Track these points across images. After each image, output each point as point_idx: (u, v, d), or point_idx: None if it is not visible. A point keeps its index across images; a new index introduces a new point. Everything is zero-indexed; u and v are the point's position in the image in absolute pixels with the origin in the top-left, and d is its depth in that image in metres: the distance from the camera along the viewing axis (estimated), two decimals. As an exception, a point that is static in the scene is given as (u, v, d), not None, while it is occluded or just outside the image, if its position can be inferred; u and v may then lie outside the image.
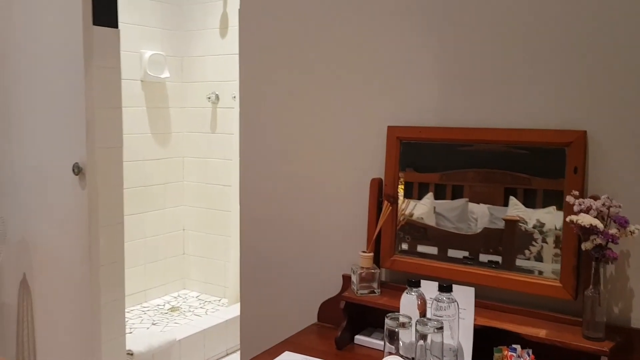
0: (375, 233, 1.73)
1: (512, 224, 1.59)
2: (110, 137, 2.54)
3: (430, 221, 1.70)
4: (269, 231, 2.06)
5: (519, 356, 1.35)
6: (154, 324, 3.56)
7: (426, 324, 1.42)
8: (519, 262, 1.57)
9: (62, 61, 2.44)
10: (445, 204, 1.69)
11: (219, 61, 3.87)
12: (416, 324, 1.43)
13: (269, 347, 1.71)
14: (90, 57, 2.39)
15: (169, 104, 3.97)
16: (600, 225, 1.31)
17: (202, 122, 3.99)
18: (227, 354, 3.40)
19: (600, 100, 1.47)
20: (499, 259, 1.60)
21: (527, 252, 1.56)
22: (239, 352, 3.40)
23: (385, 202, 1.72)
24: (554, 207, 1.52)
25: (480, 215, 1.65)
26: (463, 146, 1.64)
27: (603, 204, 1.35)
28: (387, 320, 1.44)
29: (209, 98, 3.91)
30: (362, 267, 1.71)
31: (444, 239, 1.68)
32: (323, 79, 1.90)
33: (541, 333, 1.44)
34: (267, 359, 1.61)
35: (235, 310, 3.55)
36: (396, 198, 1.73)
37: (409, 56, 1.73)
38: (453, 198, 1.68)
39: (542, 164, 1.54)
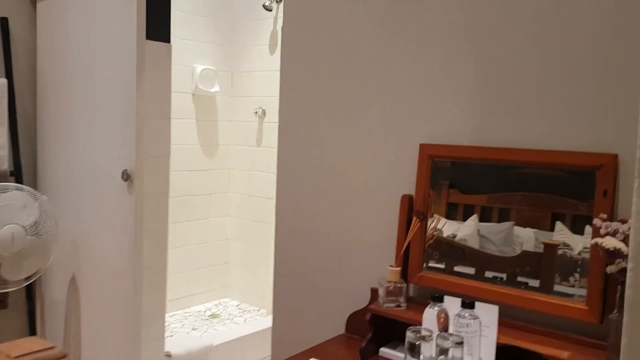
0: (403, 248, 1.76)
1: (551, 248, 1.58)
2: (158, 146, 2.67)
3: (472, 242, 1.71)
4: (302, 243, 2.12)
5: (538, 376, 1.35)
6: (194, 329, 3.67)
7: (446, 339, 1.44)
8: (556, 287, 1.55)
9: (116, 72, 2.59)
10: (490, 227, 1.69)
11: (267, 77, 3.99)
12: (437, 339, 1.46)
13: (293, 353, 1.76)
14: (143, 70, 2.53)
15: (217, 117, 4.11)
16: (624, 249, 1.30)
17: (248, 135, 4.12)
18: (263, 363, 3.47)
19: (632, 124, 1.47)
20: (535, 282, 1.59)
21: (571, 278, 1.55)
22: (273, 362, 3.47)
23: (415, 219, 1.75)
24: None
25: (525, 240, 1.64)
26: (496, 167, 1.66)
27: (629, 228, 1.34)
28: (408, 333, 1.47)
29: (256, 112, 4.03)
30: (390, 281, 1.74)
31: (481, 260, 1.69)
32: (358, 97, 1.95)
33: (564, 355, 1.44)
34: (293, 366, 1.66)
35: (270, 321, 3.61)
36: (425, 215, 1.76)
37: (443, 76, 1.77)
38: (499, 221, 1.68)
39: (573, 186, 1.54)
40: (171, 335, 3.45)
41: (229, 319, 3.91)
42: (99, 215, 2.74)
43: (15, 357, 0.77)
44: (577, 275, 1.53)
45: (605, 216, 1.42)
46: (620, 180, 1.48)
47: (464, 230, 1.73)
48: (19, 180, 2.93)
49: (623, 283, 1.34)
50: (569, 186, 1.55)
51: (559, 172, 1.56)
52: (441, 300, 1.52)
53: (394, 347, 1.77)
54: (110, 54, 2.61)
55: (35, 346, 0.81)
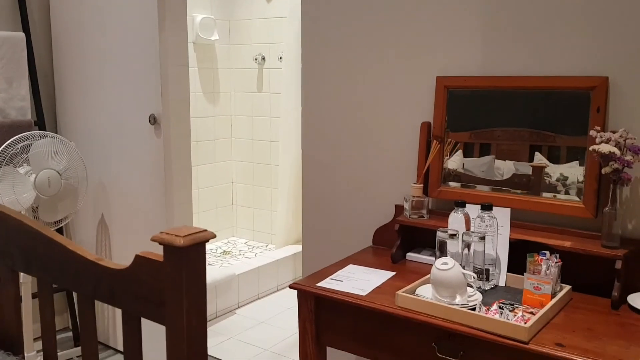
0: (425, 168, 2.04)
1: (539, 170, 1.88)
2: (180, 91, 2.87)
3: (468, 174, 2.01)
4: (328, 172, 2.39)
5: (548, 259, 1.66)
6: (209, 265, 3.95)
7: (471, 235, 1.74)
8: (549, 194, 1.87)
9: (136, 22, 2.75)
10: (472, 161, 1.99)
11: (265, 24, 4.15)
12: (462, 235, 1.76)
13: (325, 260, 2.04)
14: (164, 19, 2.70)
15: (217, 65, 4.28)
16: (617, 152, 1.60)
17: (249, 82, 4.30)
18: (278, 289, 3.78)
19: (620, 51, 1.74)
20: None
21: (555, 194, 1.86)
22: (288, 289, 3.79)
23: (435, 142, 2.02)
24: (577, 162, 1.79)
25: (505, 171, 1.94)
26: (501, 96, 1.93)
27: (620, 136, 1.64)
28: (438, 233, 1.77)
29: (256, 59, 4.20)
30: (414, 196, 2.03)
31: (478, 182, 1.99)
32: (379, 35, 2.19)
33: (566, 244, 1.75)
34: (335, 270, 1.95)
35: (283, 252, 3.92)
36: (443, 138, 2.03)
37: (455, 13, 2.01)
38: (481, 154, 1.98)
39: (570, 108, 1.83)
40: (191, 270, 3.73)
41: (240, 254, 4.20)
42: (126, 158, 2.95)
43: (184, 236, 1.02)
44: (561, 186, 1.85)
45: (599, 128, 1.71)
46: (610, 98, 1.76)
47: (450, 165, 2.02)
48: (42, 129, 3.10)
49: (615, 182, 1.66)
50: (556, 116, 1.83)
51: (551, 100, 1.84)
52: (464, 205, 1.82)
53: (418, 252, 2.07)
54: (128, 4, 2.76)
55: (192, 230, 1.06)
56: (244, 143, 4.41)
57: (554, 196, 1.85)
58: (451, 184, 2.04)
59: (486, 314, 1.55)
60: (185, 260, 1.06)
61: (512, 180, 1.93)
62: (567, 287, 1.69)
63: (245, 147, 4.41)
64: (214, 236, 1.09)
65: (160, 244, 1.09)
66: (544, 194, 1.87)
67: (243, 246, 4.40)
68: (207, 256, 4.09)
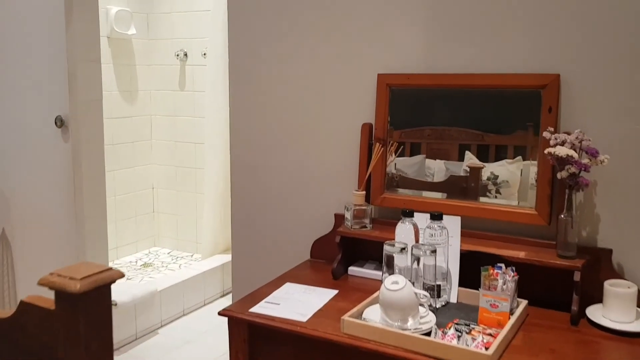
0: (367, 173, 1.86)
1: (477, 170, 1.77)
2: (90, 90, 2.56)
3: (400, 173, 1.88)
4: (260, 177, 2.17)
5: (504, 273, 1.52)
6: (128, 279, 3.62)
7: (420, 249, 1.58)
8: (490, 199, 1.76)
9: (42, 15, 2.42)
10: (403, 161, 1.86)
11: (187, 18, 3.86)
12: (412, 249, 1.59)
13: (261, 284, 1.83)
14: (71, 9, 2.38)
15: (135, 61, 3.94)
16: (575, 155, 1.48)
17: (170, 79, 4.00)
18: (205, 304, 3.51)
19: (571, 45, 1.63)
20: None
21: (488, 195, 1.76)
22: (216, 303, 3.53)
23: (377, 145, 1.85)
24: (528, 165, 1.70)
25: (436, 170, 1.81)
26: (447, 95, 1.79)
27: (576, 138, 1.53)
28: (385, 247, 1.59)
29: (177, 55, 3.91)
30: (355, 205, 1.85)
31: (418, 185, 1.86)
32: (316, 29, 1.99)
33: (521, 254, 1.63)
34: (270, 290, 1.73)
35: (210, 263, 3.65)
36: (386, 141, 1.86)
37: (397, 6, 1.85)
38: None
39: (519, 107, 1.71)
40: (108, 287, 3.39)
41: (162, 266, 3.89)
42: (30, 166, 2.60)
43: (81, 279, 0.77)
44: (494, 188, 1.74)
45: (552, 129, 1.59)
46: (562, 97, 1.65)
47: (393, 169, 1.88)
48: None
49: (571, 187, 1.54)
50: (504, 116, 1.72)
51: (499, 99, 1.72)
52: (412, 215, 1.65)
53: (361, 266, 1.89)
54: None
55: (93, 268, 0.82)
56: (166, 145, 4.10)
57: (497, 199, 1.72)
58: (399, 190, 1.88)
59: (442, 339, 1.38)
60: (83, 309, 0.82)
61: (449, 182, 1.80)
62: (524, 303, 1.56)
63: (167, 150, 4.10)
64: (122, 276, 0.85)
65: (50, 288, 0.84)
66: (496, 200, 1.75)
67: (166, 257, 4.08)
68: (126, 270, 3.78)
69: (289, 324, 1.51)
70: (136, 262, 3.99)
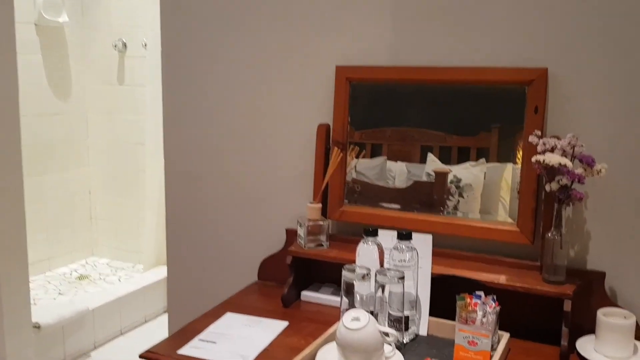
0: (325, 182, 1.60)
1: (442, 176, 1.56)
2: (4, 85, 2.20)
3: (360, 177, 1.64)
4: (200, 187, 1.87)
5: (483, 303, 1.28)
6: (60, 294, 3.26)
7: (387, 275, 1.32)
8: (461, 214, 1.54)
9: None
10: (364, 163, 1.63)
11: (125, 5, 3.51)
12: (376, 275, 1.33)
13: (201, 310, 1.55)
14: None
15: (68, 52, 3.57)
16: (569, 164, 1.25)
17: (107, 72, 3.63)
18: (146, 321, 3.18)
19: (560, 35, 1.41)
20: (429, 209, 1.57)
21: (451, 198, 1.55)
22: (158, 319, 3.20)
23: (335, 149, 1.58)
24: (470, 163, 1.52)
25: (398, 173, 1.61)
26: (417, 92, 1.55)
27: (568, 143, 1.30)
28: (344, 273, 1.33)
29: (115, 46, 3.55)
30: (310, 219, 1.58)
31: (378, 193, 1.62)
32: (263, 14, 1.71)
33: (501, 279, 1.39)
34: (207, 322, 1.45)
35: (152, 275, 3.32)
36: (345, 145, 1.60)
37: (357, -12, 1.59)
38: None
39: (500, 106, 1.48)
40: (34, 304, 3.02)
41: (100, 279, 3.53)
42: None
43: None
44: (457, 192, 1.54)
45: (539, 133, 1.36)
46: (549, 95, 1.42)
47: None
48: None
49: (561, 201, 1.31)
50: (482, 116, 1.50)
51: (477, 96, 1.49)
52: (376, 234, 1.39)
53: (316, 290, 1.63)
54: None
55: None
56: (104, 145, 3.73)
57: (474, 215, 1.49)
58: (360, 201, 1.62)
59: (414, 389, 1.13)
60: None
61: (413, 189, 1.58)
62: (505, 337, 1.32)
63: (105, 151, 3.73)
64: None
65: None
66: (470, 215, 1.51)
67: (105, 268, 3.72)
68: (58, 283, 3.41)
69: (227, 371, 1.23)
70: (71, 274, 3.61)
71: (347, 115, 1.59)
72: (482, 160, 1.52)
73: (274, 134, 1.74)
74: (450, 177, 1.56)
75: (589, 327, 1.37)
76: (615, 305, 1.37)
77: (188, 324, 1.45)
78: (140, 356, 1.29)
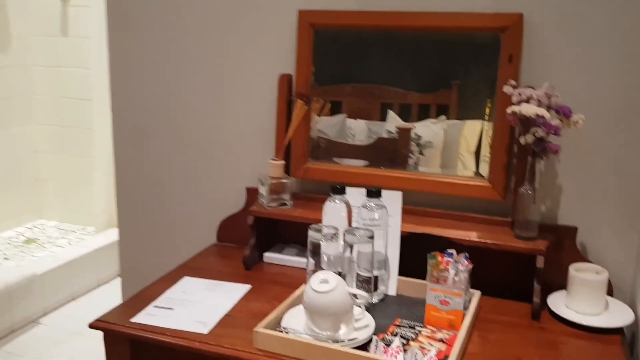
0: (288, 137, 1.50)
1: (406, 132, 1.49)
2: None
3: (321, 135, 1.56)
4: (151, 143, 1.75)
5: (455, 261, 1.23)
6: (6, 259, 3.09)
7: (355, 234, 1.25)
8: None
9: None
10: (324, 121, 1.55)
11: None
12: (344, 235, 1.26)
13: (156, 274, 1.45)
14: None
15: (6, 1, 3.29)
16: (547, 115, 1.19)
17: (50, 23, 3.37)
18: (99, 286, 3.05)
19: (537, -20, 1.33)
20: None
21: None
22: (112, 283, 3.08)
23: (298, 102, 1.48)
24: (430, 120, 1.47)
25: (358, 131, 1.54)
26: (386, 39, 1.45)
27: (545, 93, 1.24)
28: (311, 233, 1.25)
29: (57, -6, 3.29)
30: (272, 177, 1.49)
31: (343, 149, 1.54)
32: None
33: (472, 236, 1.34)
34: (162, 288, 1.35)
35: (104, 238, 3.18)
36: (309, 97, 1.50)
37: None
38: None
39: (471, 55, 1.41)
40: (-23, 270, 2.85)
41: (49, 242, 3.37)
42: None
43: None
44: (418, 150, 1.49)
45: (514, 83, 1.29)
46: (525, 42, 1.35)
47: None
48: None
49: (535, 154, 1.25)
50: (450, 64, 1.44)
51: (448, 44, 1.41)
52: (343, 191, 1.31)
53: (279, 251, 1.55)
54: None
55: None
56: (48, 101, 3.50)
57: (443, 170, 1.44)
58: (325, 158, 1.53)
59: (386, 353, 1.07)
60: None
61: (377, 145, 1.51)
62: (477, 295, 1.28)
63: (51, 107, 3.51)
64: None
65: None
66: (443, 171, 1.45)
67: (53, 231, 3.54)
68: (3, 248, 3.23)
69: (185, 339, 1.14)
70: (17, 237, 3.43)
71: (311, 65, 1.48)
72: (443, 117, 1.47)
73: (231, 86, 1.62)
74: (411, 134, 1.49)
75: (559, 283, 1.34)
76: (586, 260, 1.35)
77: (142, 289, 1.35)
78: (90, 326, 1.19)
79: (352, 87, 1.52)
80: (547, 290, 1.32)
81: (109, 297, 2.89)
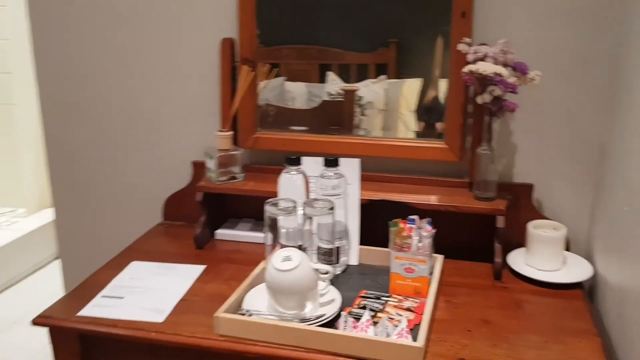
0: (235, 107, 1.41)
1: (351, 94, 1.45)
2: None
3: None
4: (86, 118, 1.61)
5: (419, 227, 1.20)
6: None
7: (315, 207, 1.19)
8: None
9: None
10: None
11: None
12: (304, 208, 1.20)
13: (99, 257, 1.35)
14: None
15: None
16: (505, 73, 1.16)
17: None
18: (35, 270, 2.89)
19: None
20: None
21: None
22: (50, 266, 2.92)
23: (244, 67, 1.38)
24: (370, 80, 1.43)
25: (297, 94, 1.49)
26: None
27: (501, 50, 1.20)
28: (267, 208, 1.18)
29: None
30: (220, 150, 1.40)
31: (291, 116, 1.48)
32: None
33: (432, 199, 1.32)
34: (109, 275, 1.26)
35: (38, 219, 3.00)
36: (255, 63, 1.41)
37: None
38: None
39: (421, 9, 1.35)
40: None
41: (-24, 227, 3.14)
42: None
43: None
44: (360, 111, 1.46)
45: (469, 40, 1.25)
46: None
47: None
48: None
49: (493, 113, 1.23)
50: (398, 19, 1.39)
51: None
52: (299, 162, 1.25)
53: (232, 227, 1.48)
54: None
55: None
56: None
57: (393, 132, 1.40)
58: (275, 126, 1.46)
59: (355, 327, 1.03)
60: None
61: (323, 108, 1.45)
62: (440, 259, 1.26)
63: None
64: None
65: None
66: (373, 132, 1.42)
67: (-20, 215, 3.31)
68: None
69: (140, 329, 1.06)
70: (-61, 224, 3.18)
71: (255, 27, 1.39)
72: (382, 76, 1.42)
73: (170, 53, 1.50)
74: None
75: (517, 241, 1.34)
76: (543, 217, 1.35)
77: (87, 278, 1.25)
78: (34, 322, 1.09)
79: (290, 48, 1.45)
80: (506, 248, 1.32)
81: (48, 281, 2.75)
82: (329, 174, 1.23)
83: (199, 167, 1.50)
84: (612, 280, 1.15)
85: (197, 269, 1.29)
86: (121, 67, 1.54)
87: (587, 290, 1.27)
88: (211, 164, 1.40)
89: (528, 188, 1.36)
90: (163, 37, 1.49)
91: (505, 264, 1.29)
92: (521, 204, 1.36)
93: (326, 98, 1.45)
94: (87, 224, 1.70)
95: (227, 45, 1.41)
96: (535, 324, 1.10)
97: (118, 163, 1.62)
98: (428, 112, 1.39)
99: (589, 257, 1.31)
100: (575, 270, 1.26)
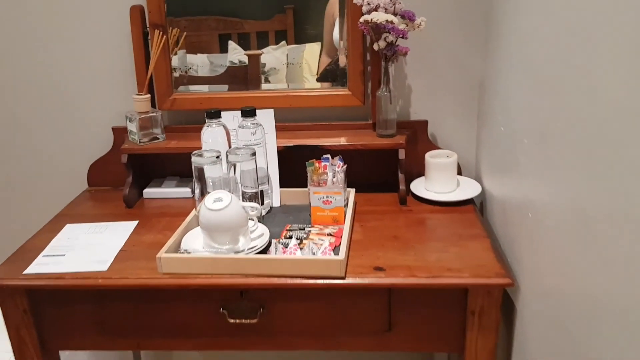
0: (150, 70, 1.48)
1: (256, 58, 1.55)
2: None
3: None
4: (-5, 93, 1.61)
5: (332, 164, 1.35)
6: None
7: (238, 153, 1.31)
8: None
9: None
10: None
11: None
12: (227, 155, 1.31)
13: (27, 229, 1.39)
14: None
15: None
16: (395, 20, 1.31)
17: None
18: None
19: None
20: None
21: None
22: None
23: (156, 33, 1.45)
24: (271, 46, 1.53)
25: (200, 65, 1.56)
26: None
27: (390, 1, 1.36)
28: (194, 159, 1.28)
29: None
30: (140, 112, 1.47)
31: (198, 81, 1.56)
32: None
33: (342, 141, 1.47)
34: (47, 237, 1.31)
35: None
36: (165, 27, 1.48)
37: None
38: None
39: None
40: None
41: None
42: None
43: None
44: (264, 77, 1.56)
45: (361, -6, 1.39)
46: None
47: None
48: None
49: (388, 58, 1.39)
50: None
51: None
52: (219, 115, 1.35)
53: (158, 185, 1.56)
54: None
55: None
56: None
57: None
58: (191, 87, 1.54)
59: (284, 252, 1.17)
60: None
61: (230, 74, 1.55)
62: (352, 192, 1.42)
63: None
64: None
65: None
66: (306, 85, 1.54)
67: None
68: None
69: (86, 278, 1.14)
70: None
71: (162, -5, 1.46)
72: (283, 42, 1.53)
73: (79, 21, 1.53)
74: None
75: (417, 171, 1.53)
76: (437, 148, 1.54)
77: (23, 243, 1.30)
78: (-22, 287, 1.14)
79: (187, 20, 1.50)
80: (409, 178, 1.50)
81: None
82: (247, 123, 1.34)
83: (119, 132, 1.56)
84: (497, 193, 1.36)
85: (131, 224, 1.37)
86: (30, 41, 1.56)
87: (478, 206, 1.48)
88: (132, 126, 1.47)
89: (423, 124, 1.55)
90: (73, 7, 1.52)
91: (408, 191, 1.47)
92: (419, 138, 1.54)
93: (227, 64, 1.53)
94: (10, 196, 1.71)
95: (137, 11, 1.47)
96: (436, 234, 1.29)
97: (35, 135, 1.64)
98: (331, 73, 1.52)
99: (478, 178, 1.52)
100: (467, 190, 1.47)
